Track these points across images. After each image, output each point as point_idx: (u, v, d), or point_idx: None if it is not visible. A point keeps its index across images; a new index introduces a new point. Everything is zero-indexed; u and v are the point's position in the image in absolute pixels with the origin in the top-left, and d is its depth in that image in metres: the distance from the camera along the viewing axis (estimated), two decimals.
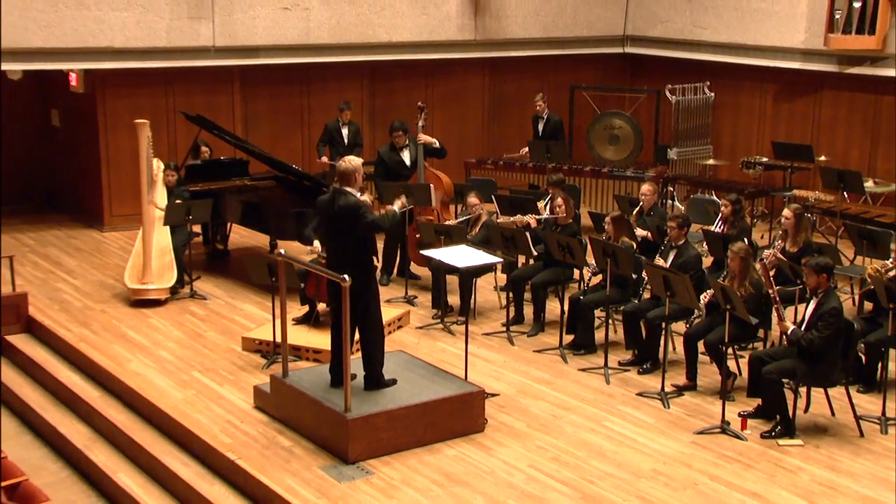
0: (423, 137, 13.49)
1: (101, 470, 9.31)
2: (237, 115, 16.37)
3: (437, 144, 13.62)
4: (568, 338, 11.42)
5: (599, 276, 11.44)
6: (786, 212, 11.51)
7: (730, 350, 10.18)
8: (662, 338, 10.61)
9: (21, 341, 11.86)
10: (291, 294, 11.04)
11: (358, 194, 9.37)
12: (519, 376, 10.73)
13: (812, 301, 9.41)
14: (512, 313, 12.04)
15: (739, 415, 9.60)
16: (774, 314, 9.70)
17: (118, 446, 9.74)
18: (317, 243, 11.46)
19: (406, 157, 13.41)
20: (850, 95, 15.94)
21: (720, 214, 12.11)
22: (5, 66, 14.65)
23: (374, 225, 9.36)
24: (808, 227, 11.93)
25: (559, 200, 12.04)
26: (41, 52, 14.51)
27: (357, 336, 9.76)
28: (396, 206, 9.83)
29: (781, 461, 9.00)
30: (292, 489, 8.37)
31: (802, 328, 9.32)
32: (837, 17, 14.86)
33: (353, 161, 9.45)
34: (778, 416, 9.45)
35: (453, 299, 12.38)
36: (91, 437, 10.00)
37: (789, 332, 9.40)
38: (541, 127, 16.45)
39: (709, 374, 10.42)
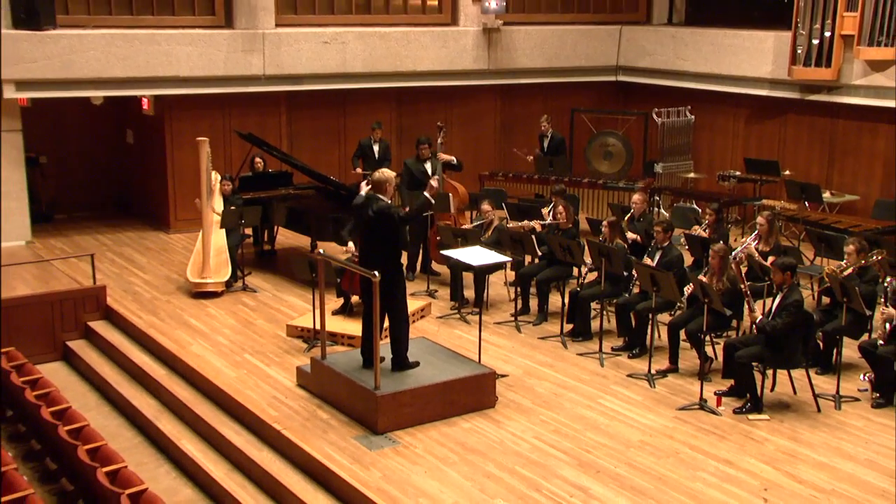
0: (443, 156, 13.53)
1: (168, 437, 9.40)
2: (283, 134, 16.38)
3: (455, 161, 13.64)
4: (568, 327, 11.40)
5: (595, 274, 11.42)
6: (759, 218, 11.49)
7: (707, 337, 10.16)
8: (649, 327, 10.57)
9: (101, 327, 11.96)
10: (329, 288, 11.07)
11: (388, 202, 9.38)
12: (525, 360, 10.72)
13: (778, 295, 9.42)
14: (519, 305, 12.02)
15: (715, 393, 9.60)
16: (746, 306, 9.68)
17: (181, 417, 9.83)
18: (351, 244, 11.46)
19: (429, 168, 13.41)
20: (810, 119, 15.88)
21: (706, 221, 12.09)
22: (89, 93, 14.72)
23: (405, 219, 9.38)
24: (778, 231, 11.91)
25: (560, 208, 12.02)
26: (119, 81, 14.53)
27: (386, 324, 9.75)
28: (428, 192, 9.74)
29: (750, 433, 8.99)
30: (329, 455, 8.40)
31: (769, 318, 9.31)
32: (799, 51, 14.83)
33: (386, 173, 9.46)
34: (748, 395, 9.43)
35: (469, 293, 12.35)
36: (159, 409, 10.09)
37: (758, 321, 9.38)
38: (546, 144, 16.46)
39: (689, 358, 10.38)
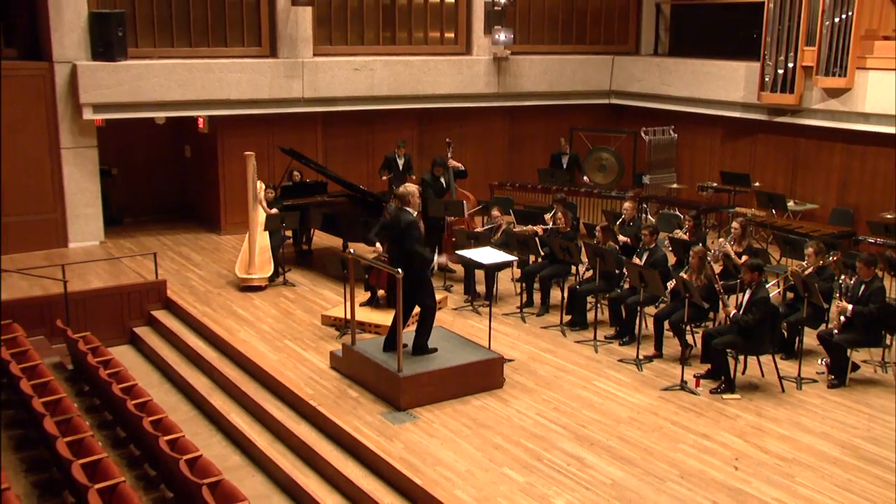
0: (453, 163, 13.59)
1: (219, 411, 9.42)
2: (319, 149, 16.41)
3: (462, 168, 13.71)
4: (566, 318, 11.38)
5: (591, 272, 11.41)
6: (734, 224, 11.49)
7: (688, 327, 10.16)
8: (638, 318, 10.56)
9: (162, 315, 12.01)
10: (358, 283, 11.08)
11: (415, 213, 9.37)
12: (529, 346, 10.72)
13: (747, 291, 9.43)
14: (524, 299, 12.02)
15: (694, 376, 9.58)
16: (720, 302, 9.69)
17: (230, 394, 9.86)
18: (378, 245, 11.46)
19: (443, 181, 13.48)
20: (776, 138, 15.83)
21: (687, 226, 12.08)
22: (153, 114, 14.83)
23: (415, 249, 9.21)
24: (750, 235, 11.90)
25: (560, 213, 12.02)
26: (179, 104, 14.59)
27: (416, 311, 9.71)
28: (441, 260, 9.86)
29: (724, 410, 8.98)
30: (358, 429, 8.43)
31: (741, 312, 9.32)
32: (767, 79, 14.84)
33: (408, 187, 9.46)
34: (722, 377, 9.43)
35: (480, 288, 12.34)
36: (211, 387, 10.13)
37: (731, 315, 9.39)
38: (564, 161, 16.51)
39: (672, 345, 10.38)
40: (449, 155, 13.59)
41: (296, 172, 14.47)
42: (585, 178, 16.44)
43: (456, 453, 8.08)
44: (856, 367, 9.78)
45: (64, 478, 7.10)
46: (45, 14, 13.76)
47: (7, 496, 6.00)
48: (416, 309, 9.70)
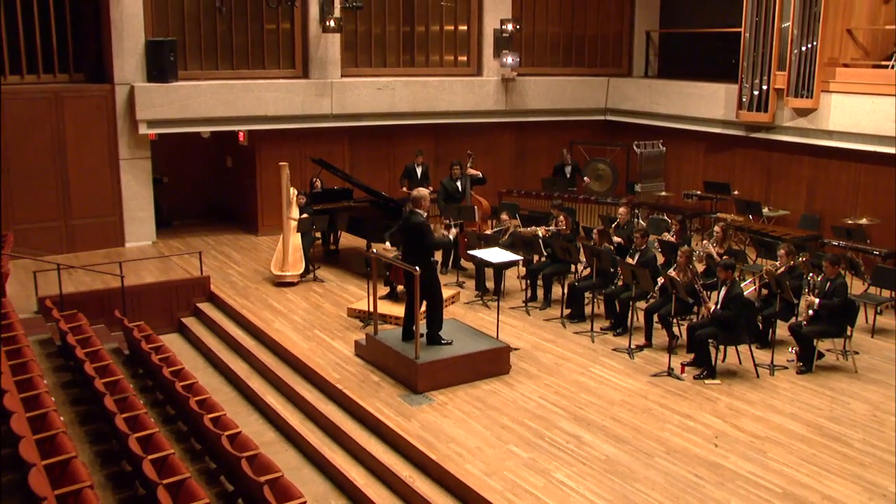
0: (471, 171, 13.60)
1: (256, 393, 9.49)
2: (346, 159, 16.44)
3: (481, 175, 13.71)
4: (566, 311, 11.40)
5: (588, 270, 11.41)
6: (716, 227, 11.52)
7: (674, 320, 10.16)
8: (630, 312, 10.58)
9: (206, 307, 12.08)
10: (380, 279, 11.12)
11: (424, 215, 9.39)
12: (533, 337, 10.74)
13: (723, 288, 9.49)
14: (529, 294, 12.02)
15: (680, 364, 9.60)
16: (702, 298, 9.72)
17: (266, 378, 9.91)
18: (388, 243, 11.45)
19: (459, 185, 13.49)
20: (753, 151, 15.77)
21: (674, 229, 12.08)
22: (200, 129, 14.92)
23: (431, 244, 9.32)
24: (730, 238, 11.90)
25: (561, 218, 12.03)
26: (222, 120, 14.68)
27: (423, 307, 9.77)
28: (451, 234, 9.85)
29: (706, 394, 9.00)
30: (380, 409, 8.48)
31: (718, 306, 9.36)
32: (744, 99, 14.83)
33: (421, 191, 9.47)
34: (705, 364, 9.44)
35: (489, 284, 12.38)
36: (249, 371, 10.19)
37: (711, 311, 9.42)
38: (567, 171, 16.53)
39: (660, 336, 10.39)
40: (469, 164, 13.64)
41: (316, 181, 14.51)
42: (586, 178, 16.46)
43: (467, 432, 8.12)
44: (821, 355, 9.79)
45: (122, 449, 7.18)
46: (108, 43, 13.95)
47: (75, 463, 6.10)
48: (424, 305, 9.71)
